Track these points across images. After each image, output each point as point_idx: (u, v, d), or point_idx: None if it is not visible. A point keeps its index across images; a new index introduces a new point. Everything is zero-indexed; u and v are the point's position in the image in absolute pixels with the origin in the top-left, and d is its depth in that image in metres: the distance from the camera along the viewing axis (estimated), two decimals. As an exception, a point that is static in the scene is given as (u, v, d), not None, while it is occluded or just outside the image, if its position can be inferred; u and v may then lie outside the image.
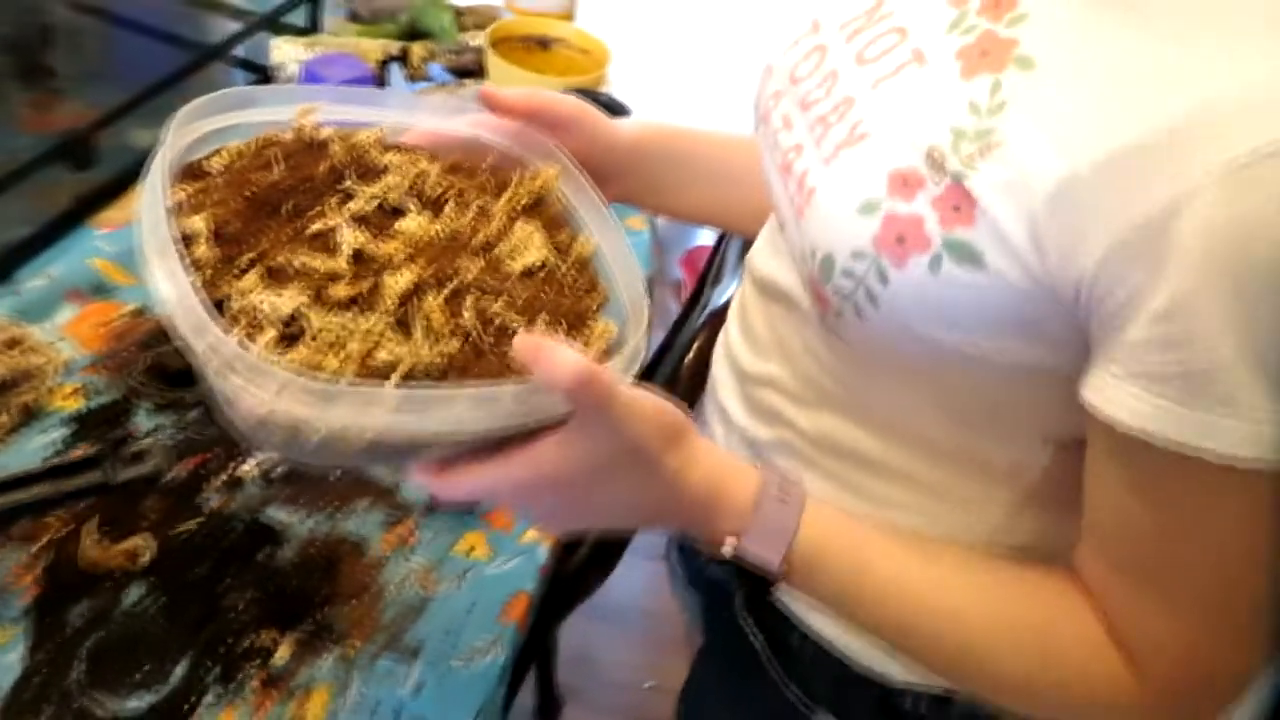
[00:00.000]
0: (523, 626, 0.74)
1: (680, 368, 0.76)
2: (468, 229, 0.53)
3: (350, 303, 0.47)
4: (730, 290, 0.71)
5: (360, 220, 0.51)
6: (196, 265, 0.46)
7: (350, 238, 0.49)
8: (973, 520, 0.55)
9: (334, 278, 0.47)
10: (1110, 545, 0.48)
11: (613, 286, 0.54)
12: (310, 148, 0.54)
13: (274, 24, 1.22)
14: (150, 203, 0.46)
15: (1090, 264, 0.42)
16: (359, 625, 0.71)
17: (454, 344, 0.47)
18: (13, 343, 0.77)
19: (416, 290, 0.48)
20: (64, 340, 0.84)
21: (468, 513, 0.80)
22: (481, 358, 0.47)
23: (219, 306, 0.45)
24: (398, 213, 0.52)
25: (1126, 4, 0.43)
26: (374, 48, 1.19)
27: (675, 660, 1.65)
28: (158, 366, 0.82)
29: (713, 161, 0.72)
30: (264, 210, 0.50)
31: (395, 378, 0.44)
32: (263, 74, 1.17)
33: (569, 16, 1.28)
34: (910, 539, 0.54)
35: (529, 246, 0.54)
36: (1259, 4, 0.41)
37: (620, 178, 0.64)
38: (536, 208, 0.57)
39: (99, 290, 0.89)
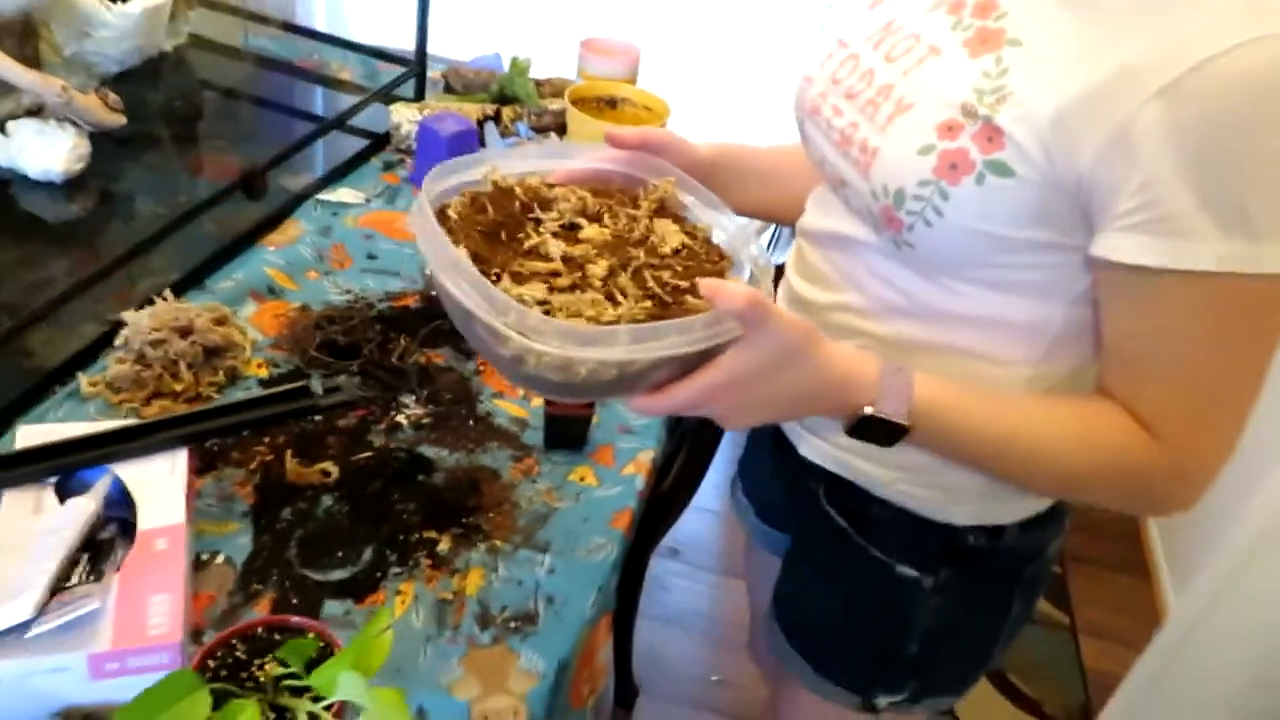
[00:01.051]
0: (628, 533, 0.92)
1: None
2: (625, 230, 0.74)
3: (571, 289, 0.66)
4: (782, 256, 0.91)
5: (556, 236, 0.71)
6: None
7: (555, 247, 0.69)
8: (1006, 376, 0.74)
9: (555, 274, 0.67)
10: (1122, 356, 0.68)
11: (735, 253, 0.75)
12: (503, 194, 0.74)
13: (388, 96, 1.46)
14: (428, 236, 0.66)
15: (1085, 164, 0.62)
16: (500, 528, 0.89)
17: (648, 304, 0.67)
18: (222, 320, 0.98)
19: (610, 273, 0.68)
20: (250, 326, 1.05)
21: (578, 451, 0.98)
22: (668, 309, 0.67)
23: None
24: (575, 227, 0.72)
25: (1074, 5, 0.64)
26: (473, 109, 1.42)
27: (736, 657, 1.81)
28: (327, 344, 1.02)
29: (764, 167, 0.93)
30: (493, 239, 0.70)
31: (623, 325, 0.63)
32: (379, 137, 1.40)
33: (633, 81, 1.52)
34: (988, 388, 0.73)
35: (670, 235, 0.74)
36: None
37: (703, 183, 0.85)
38: (664, 209, 0.77)
39: (272, 291, 1.10)
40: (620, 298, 0.67)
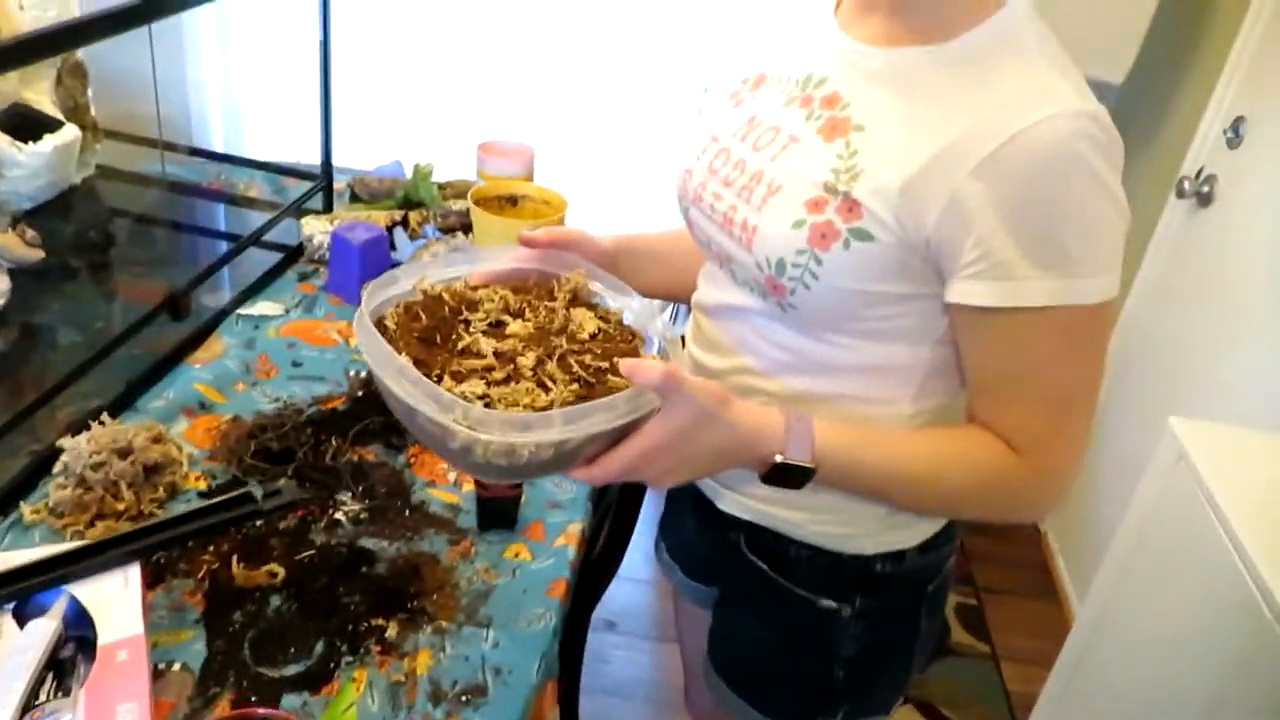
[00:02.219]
0: (565, 599, 0.99)
1: None
2: (546, 321, 0.83)
3: (505, 380, 0.75)
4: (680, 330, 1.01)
5: (485, 334, 0.79)
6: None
7: (487, 344, 0.78)
8: (889, 415, 0.84)
9: (489, 369, 0.76)
10: (981, 384, 0.80)
11: (645, 331, 0.84)
12: (433, 300, 0.83)
13: (298, 210, 1.53)
14: (371, 346, 0.74)
15: (929, 227, 0.73)
16: (444, 608, 0.94)
17: (575, 387, 0.76)
18: (158, 438, 1.02)
19: (539, 363, 0.77)
20: (184, 441, 1.09)
21: (510, 529, 1.05)
22: (594, 389, 0.76)
23: None
24: (501, 324, 0.81)
25: (908, 91, 0.76)
26: (382, 216, 1.50)
27: (679, 718, 1.85)
28: (262, 451, 1.07)
29: (658, 251, 1.03)
30: (429, 343, 0.78)
31: (556, 410, 0.72)
32: (292, 250, 1.47)
33: (530, 178, 1.62)
34: (876, 424, 0.84)
35: (586, 322, 0.83)
36: (967, 79, 0.73)
37: (608, 271, 0.95)
38: (578, 299, 0.87)
39: (203, 406, 1.15)
40: (550, 384, 0.76)
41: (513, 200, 1.55)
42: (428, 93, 2.09)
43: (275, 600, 0.92)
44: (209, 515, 0.88)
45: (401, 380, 0.71)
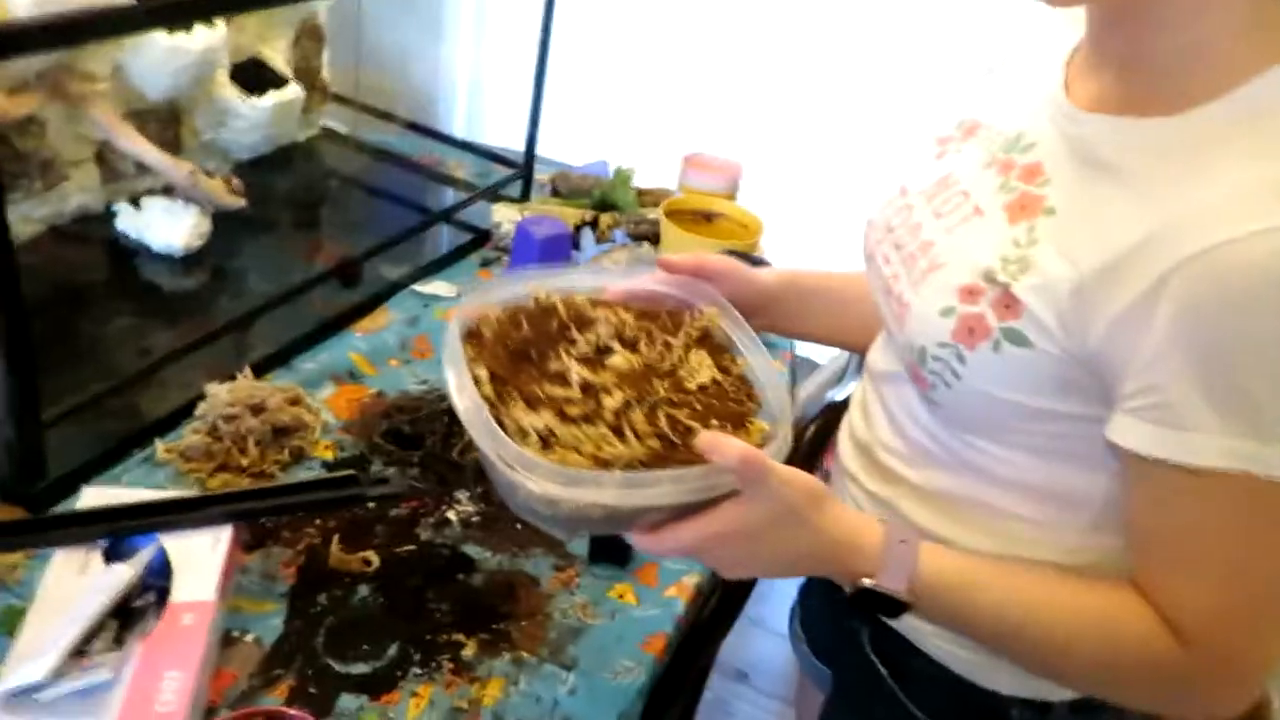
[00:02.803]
0: (661, 657, 0.89)
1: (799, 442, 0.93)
2: (656, 359, 0.74)
3: (582, 419, 0.67)
4: (848, 389, 0.89)
5: (584, 360, 0.71)
6: (484, 398, 0.67)
7: (577, 374, 0.69)
8: (1050, 541, 0.69)
9: (569, 401, 0.68)
10: (1141, 542, 0.63)
11: (763, 394, 0.74)
12: (544, 311, 0.76)
13: (494, 195, 1.52)
14: (449, 350, 0.68)
15: (1098, 338, 0.59)
16: (529, 637, 0.87)
17: (655, 443, 0.66)
18: (295, 400, 1.02)
19: (626, 406, 0.68)
20: (325, 408, 1.08)
21: (621, 567, 0.97)
22: (675, 450, 0.67)
23: (500, 425, 0.65)
24: (608, 350, 0.73)
25: (1112, 172, 0.62)
26: (573, 214, 1.46)
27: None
28: (393, 432, 1.05)
29: (832, 294, 0.92)
30: (520, 358, 0.71)
31: (617, 467, 0.64)
32: (482, 232, 1.46)
33: (732, 197, 1.53)
34: (1004, 562, 0.69)
35: (701, 369, 0.74)
36: (1185, 166, 0.58)
37: (764, 312, 0.85)
38: (705, 339, 0.77)
39: (353, 376, 1.14)
40: (629, 433, 0.66)
41: (708, 217, 1.47)
42: (647, 95, 2.04)
43: (363, 590, 0.88)
44: (311, 491, 0.86)
45: (462, 395, 0.64)
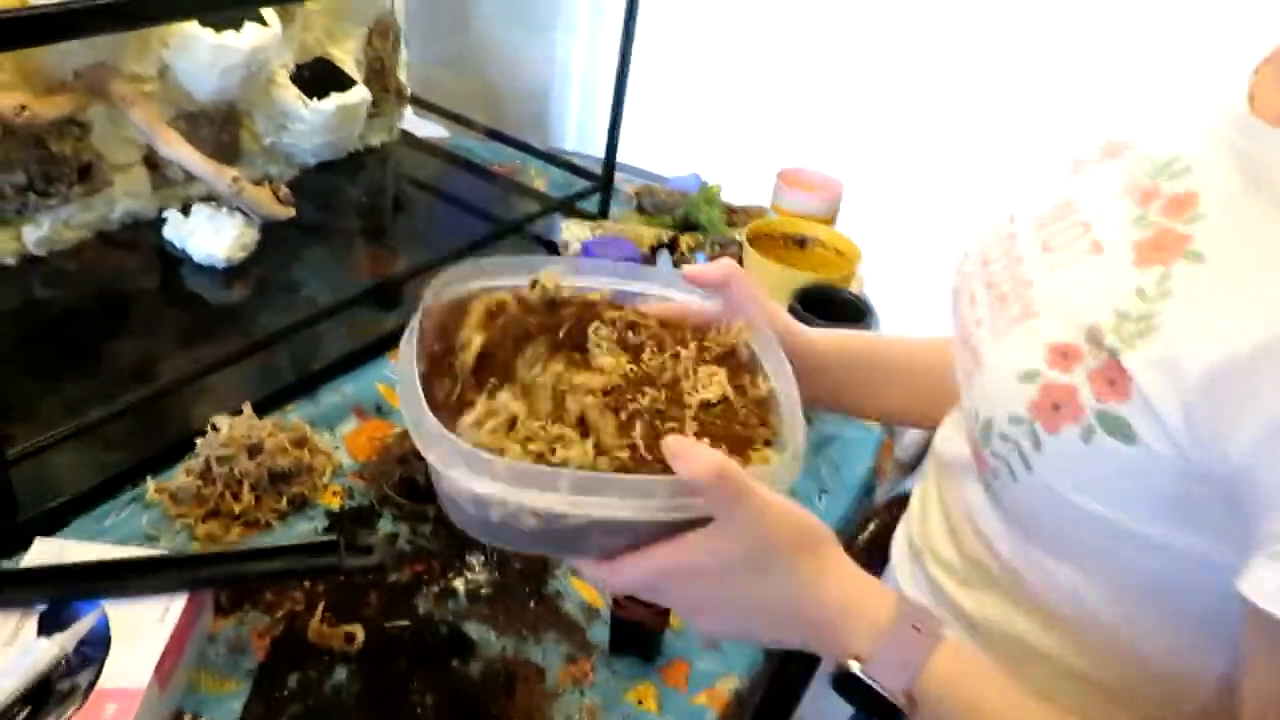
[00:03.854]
0: (676, 785, 0.75)
1: (854, 542, 0.76)
2: (657, 368, 0.62)
3: (548, 418, 0.56)
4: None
5: (566, 355, 0.61)
6: (461, 367, 0.58)
7: (552, 371, 0.59)
8: (1141, 709, 0.51)
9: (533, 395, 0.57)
10: None
11: (780, 427, 0.59)
12: (547, 302, 0.65)
13: (568, 208, 1.39)
14: (414, 322, 0.59)
15: (1244, 447, 0.41)
16: (523, 747, 0.74)
17: (623, 454, 0.54)
18: (300, 442, 0.91)
19: (600, 411, 0.56)
20: (340, 447, 0.98)
21: (646, 662, 0.82)
22: (646, 466, 0.54)
23: (461, 407, 0.55)
24: (604, 350, 0.61)
25: None
26: (650, 234, 1.32)
27: None
28: (407, 480, 0.93)
29: (901, 364, 0.75)
30: (498, 345, 0.61)
31: (563, 470, 0.52)
32: (551, 248, 1.33)
33: (831, 220, 1.36)
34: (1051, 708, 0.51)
35: (710, 384, 0.60)
36: None
37: (804, 380, 0.69)
38: (728, 357, 0.63)
39: (379, 410, 1.03)
40: (595, 440, 0.55)
41: (800, 242, 1.30)
42: (743, 101, 1.86)
43: (341, 673, 0.77)
44: (282, 558, 0.75)
45: (406, 345, 0.57)
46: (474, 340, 0.60)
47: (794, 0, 1.78)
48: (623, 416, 0.56)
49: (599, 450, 0.54)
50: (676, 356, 0.62)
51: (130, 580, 0.71)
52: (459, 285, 0.66)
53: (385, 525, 0.90)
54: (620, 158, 1.43)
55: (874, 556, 0.71)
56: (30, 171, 1.06)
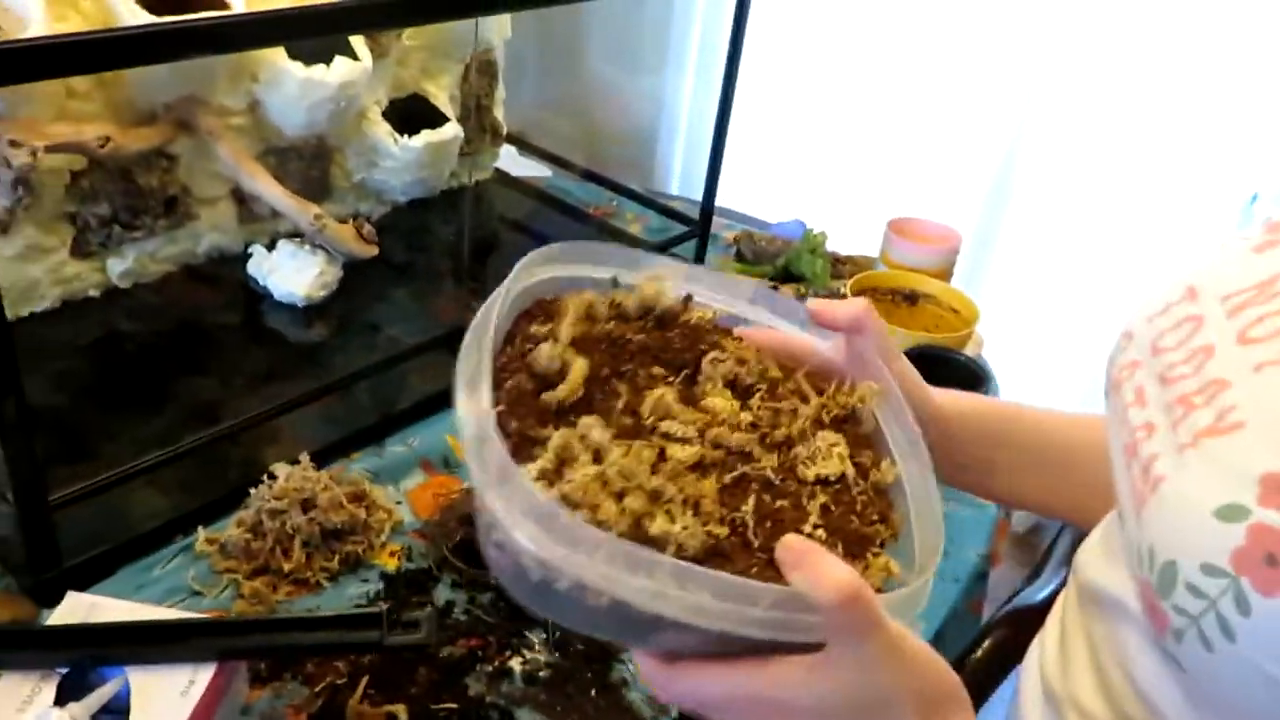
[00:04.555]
0: None
1: (966, 661, 0.64)
2: (770, 419, 0.52)
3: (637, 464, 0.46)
4: (1049, 590, 0.61)
5: (675, 389, 0.51)
6: (553, 402, 0.48)
7: (661, 401, 0.49)
8: None
9: (631, 431, 0.48)
10: None
11: (907, 525, 0.49)
12: (660, 320, 0.56)
13: (662, 254, 1.32)
14: (483, 313, 0.50)
15: None
16: None
17: (720, 530, 0.45)
18: (358, 496, 0.86)
19: (697, 467, 0.47)
20: (403, 502, 0.92)
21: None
22: (748, 553, 0.44)
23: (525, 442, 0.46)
24: (713, 387, 0.52)
25: None
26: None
27: None
28: (468, 543, 0.86)
29: (1045, 443, 0.64)
30: (596, 363, 0.51)
31: (664, 556, 0.42)
32: (642, 296, 1.26)
33: (946, 275, 1.25)
34: None
35: (829, 456, 0.51)
36: None
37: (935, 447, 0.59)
38: (846, 423, 0.54)
39: (446, 463, 0.97)
40: (691, 506, 0.45)
41: (911, 298, 1.20)
42: (852, 144, 1.76)
43: (379, 759, 0.70)
44: (322, 630, 0.68)
45: (466, 373, 0.46)
46: (576, 367, 0.49)
47: (908, 38, 1.69)
48: (727, 479, 0.47)
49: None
50: (794, 412, 0.52)
51: (157, 646, 0.65)
52: (545, 270, 0.56)
53: (443, 592, 0.83)
54: (723, 201, 1.36)
55: (988, 680, 0.60)
56: (115, 204, 1.05)
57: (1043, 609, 0.58)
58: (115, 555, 0.81)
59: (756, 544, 0.44)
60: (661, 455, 0.46)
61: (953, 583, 0.93)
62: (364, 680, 0.74)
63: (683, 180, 2.14)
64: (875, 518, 0.49)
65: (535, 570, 0.42)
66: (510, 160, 1.53)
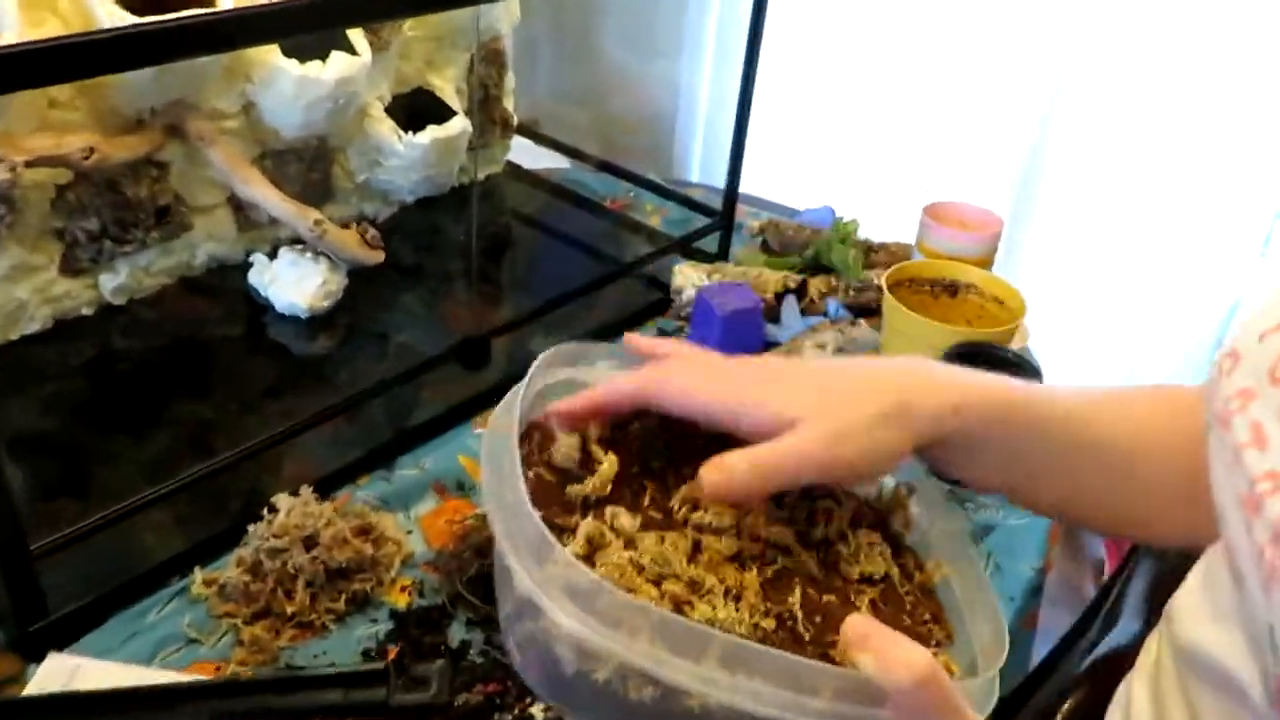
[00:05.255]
0: None
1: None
2: (803, 520, 0.49)
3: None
4: (1132, 634, 0.53)
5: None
6: (579, 495, 0.47)
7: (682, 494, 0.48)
8: None
9: (665, 520, 0.46)
10: None
11: (960, 626, 0.43)
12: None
13: (684, 248, 1.25)
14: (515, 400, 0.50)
15: None
16: None
17: (767, 623, 0.42)
18: (364, 530, 0.80)
19: (737, 558, 0.44)
20: (415, 531, 0.86)
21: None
22: (799, 647, 0.41)
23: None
24: None
25: None
26: (775, 278, 1.17)
27: None
28: (482, 576, 0.80)
29: (1085, 441, 0.55)
30: (643, 460, 0.51)
31: (714, 631, 0.38)
32: (665, 292, 1.20)
33: (987, 263, 1.17)
34: None
35: (872, 556, 0.46)
36: None
37: (961, 458, 0.51)
38: (881, 525, 0.49)
39: (460, 487, 0.91)
40: (734, 595, 0.43)
41: (952, 289, 1.12)
42: (887, 124, 1.67)
43: (390, 825, 0.64)
44: (317, 689, 0.63)
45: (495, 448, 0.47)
46: (608, 461, 0.48)
47: (937, 12, 1.59)
48: (769, 573, 0.44)
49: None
50: (829, 512, 0.47)
51: (144, 714, 0.60)
52: (565, 370, 0.58)
53: (457, 631, 0.78)
54: (747, 188, 1.29)
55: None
56: (104, 217, 0.99)
57: (1127, 658, 0.51)
58: (106, 602, 0.75)
59: (808, 638, 0.39)
60: (696, 548, 0.43)
61: (1007, 602, 0.86)
62: (372, 734, 0.68)
63: (703, 168, 2.06)
64: (927, 617, 0.44)
65: (570, 660, 0.39)
66: (523, 153, 1.46)
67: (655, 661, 0.37)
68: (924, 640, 0.43)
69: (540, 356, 0.56)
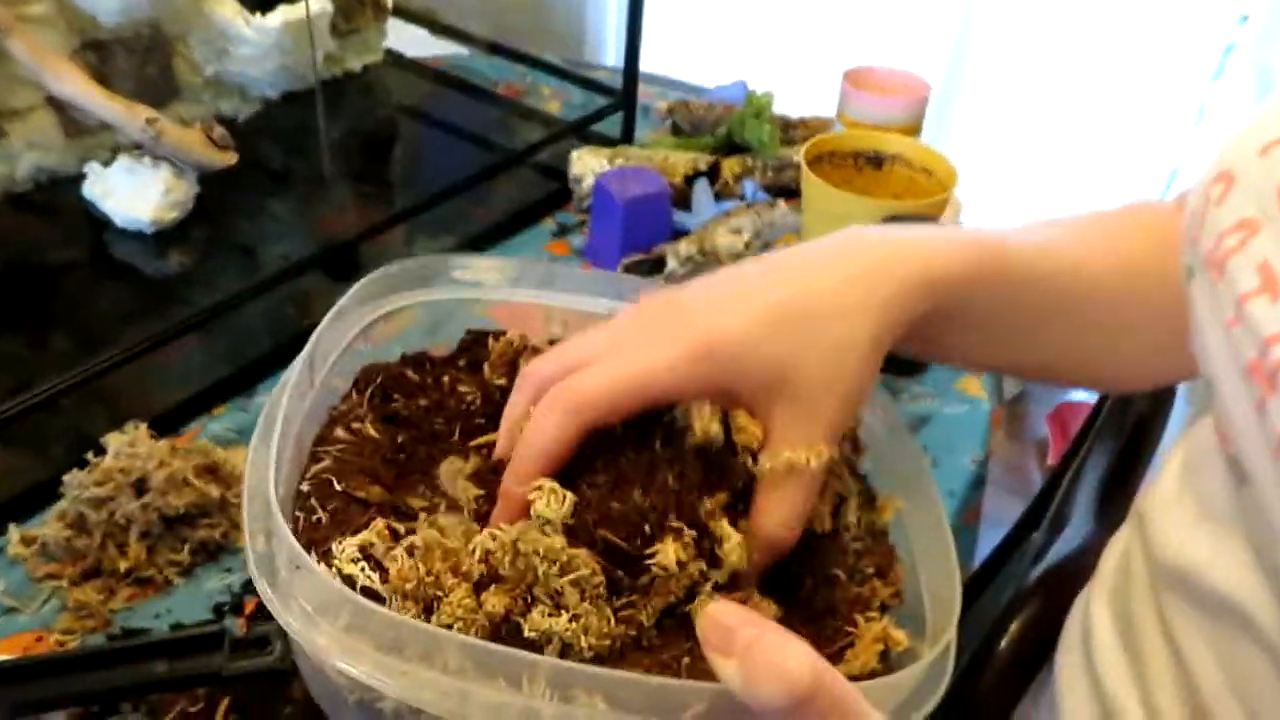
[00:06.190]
0: None
1: (993, 650, 0.48)
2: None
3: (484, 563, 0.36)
4: (1111, 541, 0.44)
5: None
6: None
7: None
8: None
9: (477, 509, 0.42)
10: None
11: (912, 576, 0.34)
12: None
13: (583, 133, 1.13)
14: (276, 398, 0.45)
15: None
16: None
17: (619, 628, 0.33)
18: (208, 469, 0.69)
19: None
20: (277, 467, 0.75)
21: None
22: (651, 654, 0.32)
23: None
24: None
25: None
26: (684, 160, 1.06)
27: None
28: (354, 513, 0.70)
29: (1078, 292, 0.46)
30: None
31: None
32: (564, 183, 1.08)
33: (914, 131, 1.07)
34: None
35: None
36: None
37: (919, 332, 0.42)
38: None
39: (328, 413, 0.80)
40: (569, 595, 0.33)
41: (876, 161, 1.02)
42: None
43: (243, 808, 0.55)
44: (139, 661, 0.52)
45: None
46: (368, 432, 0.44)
47: None
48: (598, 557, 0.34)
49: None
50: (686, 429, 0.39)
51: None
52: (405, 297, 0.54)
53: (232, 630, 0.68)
54: (652, 67, 1.16)
55: (1021, 677, 0.44)
56: (-113, 126, 0.84)
57: (1082, 568, 0.43)
58: (-98, 573, 0.64)
59: (653, 642, 0.30)
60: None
61: (947, 498, 0.78)
62: (223, 705, 0.59)
63: (619, 51, 1.91)
64: (870, 571, 0.35)
65: (348, 687, 0.32)
66: (406, 40, 1.31)
67: (448, 698, 0.29)
68: (868, 604, 0.34)
69: (358, 284, 0.50)
